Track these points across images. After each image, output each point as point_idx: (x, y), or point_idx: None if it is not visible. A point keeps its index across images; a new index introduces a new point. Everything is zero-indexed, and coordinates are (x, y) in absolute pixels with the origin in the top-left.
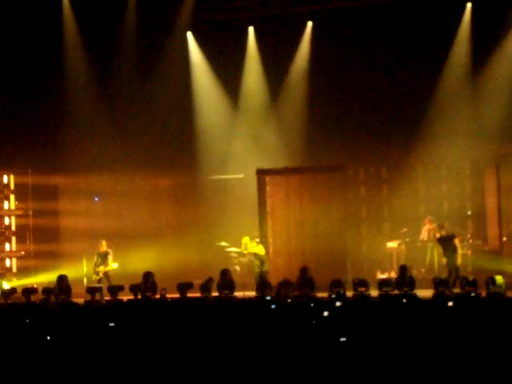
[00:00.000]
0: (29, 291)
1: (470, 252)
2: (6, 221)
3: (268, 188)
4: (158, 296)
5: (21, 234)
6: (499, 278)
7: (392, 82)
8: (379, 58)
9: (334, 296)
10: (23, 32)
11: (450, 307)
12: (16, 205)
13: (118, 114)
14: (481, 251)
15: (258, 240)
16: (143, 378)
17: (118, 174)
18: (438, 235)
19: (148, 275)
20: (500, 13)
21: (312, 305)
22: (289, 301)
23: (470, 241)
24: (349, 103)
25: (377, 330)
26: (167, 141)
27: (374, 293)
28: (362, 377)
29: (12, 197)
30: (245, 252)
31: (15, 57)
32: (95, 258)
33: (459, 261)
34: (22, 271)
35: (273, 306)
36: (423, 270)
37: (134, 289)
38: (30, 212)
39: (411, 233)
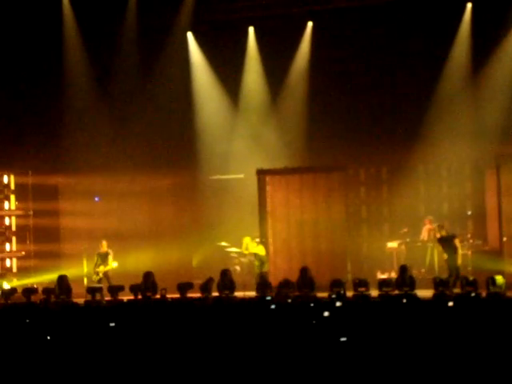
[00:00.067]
0: (29, 291)
1: (470, 252)
2: (7, 221)
3: (268, 188)
4: (158, 296)
5: (21, 234)
6: (499, 278)
7: (392, 81)
8: (379, 58)
9: (334, 296)
10: (23, 32)
11: (450, 307)
12: (16, 205)
13: (117, 113)
14: (481, 251)
15: (258, 240)
16: (144, 378)
17: (118, 174)
18: (438, 235)
19: (148, 275)
20: (500, 13)
21: (312, 305)
22: (289, 301)
23: (471, 241)
24: (349, 103)
25: (377, 330)
26: (167, 141)
27: (374, 293)
28: (363, 377)
29: (12, 197)
30: (245, 252)
31: (15, 57)
32: (95, 258)
33: (459, 261)
34: (23, 271)
35: (273, 306)
36: (423, 270)
37: (134, 289)
38: (31, 212)
39: (411, 233)
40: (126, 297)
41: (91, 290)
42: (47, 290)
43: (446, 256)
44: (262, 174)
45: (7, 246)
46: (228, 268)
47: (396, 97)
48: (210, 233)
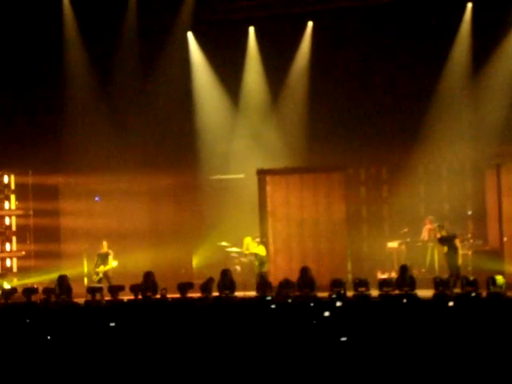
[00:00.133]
0: (29, 291)
1: (470, 252)
2: (7, 221)
3: (268, 188)
4: (158, 296)
5: (21, 234)
6: (500, 278)
7: (392, 81)
8: (379, 57)
9: (334, 296)
10: (23, 32)
11: (451, 307)
12: (16, 205)
13: (118, 113)
14: (481, 251)
15: (258, 240)
16: (144, 377)
17: (119, 174)
18: (438, 235)
19: (148, 275)
20: (500, 13)
21: (312, 305)
22: (289, 301)
23: (471, 241)
24: (349, 103)
25: (377, 330)
26: (167, 141)
27: (375, 293)
28: (363, 377)
29: (12, 197)
30: (246, 252)
31: (15, 57)
32: (96, 258)
33: (460, 261)
34: (23, 271)
35: (273, 306)
36: (424, 270)
37: (134, 289)
38: (31, 212)
39: (412, 233)
40: (126, 297)
41: (91, 290)
42: (47, 290)
43: (445, 249)
44: (262, 173)
45: (7, 246)
46: (228, 268)
47: (396, 97)
48: (210, 233)
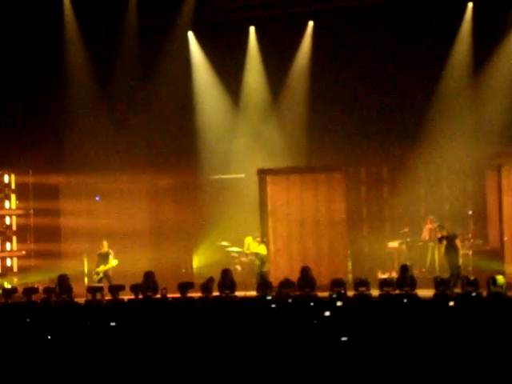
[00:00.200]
0: (30, 291)
1: (470, 252)
2: (7, 220)
3: (269, 188)
4: (158, 296)
5: (22, 233)
6: (500, 278)
7: (393, 81)
8: (380, 57)
9: (334, 296)
10: (24, 32)
11: (451, 307)
12: (17, 204)
13: (118, 113)
14: (482, 251)
15: (259, 239)
16: (144, 377)
17: (119, 174)
18: (439, 235)
19: (149, 275)
20: (501, 13)
21: (313, 304)
22: (290, 300)
23: (471, 240)
24: (349, 103)
25: (378, 330)
26: (168, 140)
27: (375, 292)
28: (363, 376)
29: (13, 196)
30: (247, 252)
31: (16, 57)
32: (96, 258)
33: (460, 261)
34: (23, 271)
35: (273, 306)
36: (424, 270)
37: (134, 288)
38: (31, 212)
39: (412, 233)
40: (126, 296)
41: (92, 290)
42: (48, 290)
43: (443, 250)
44: (262, 173)
45: (8, 246)
46: (229, 268)
47: (396, 97)
48: (210, 232)
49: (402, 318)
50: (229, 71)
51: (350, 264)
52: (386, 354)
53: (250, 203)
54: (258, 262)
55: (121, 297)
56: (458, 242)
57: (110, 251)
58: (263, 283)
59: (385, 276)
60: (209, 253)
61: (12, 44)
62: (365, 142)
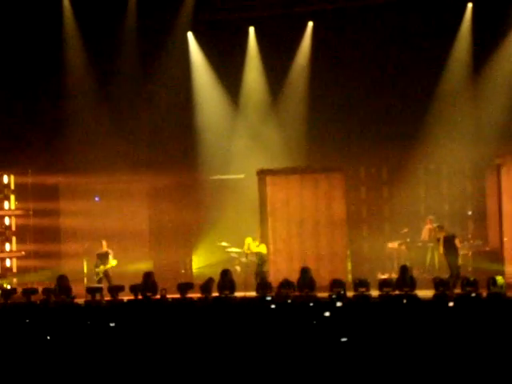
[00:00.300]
0: (29, 291)
1: (470, 252)
2: (7, 221)
3: (269, 188)
4: (158, 296)
5: (21, 234)
6: (500, 279)
7: (392, 82)
8: (379, 58)
9: (334, 296)
10: (23, 32)
11: (451, 307)
12: (16, 205)
13: (118, 113)
14: (481, 251)
15: (259, 240)
16: (143, 378)
17: (119, 174)
18: (438, 236)
19: (148, 275)
20: (501, 13)
21: (312, 305)
22: (289, 301)
23: (471, 241)
24: (349, 103)
25: (377, 331)
26: (167, 141)
27: (375, 293)
28: (363, 377)
29: (12, 197)
30: (248, 252)
31: (15, 57)
32: (95, 258)
33: (460, 261)
34: (23, 271)
35: (273, 306)
36: (423, 271)
37: (134, 289)
38: (31, 212)
39: (412, 233)
40: (126, 297)
41: (91, 290)
42: (47, 290)
43: (441, 250)
44: (262, 174)
45: (7, 246)
46: (228, 268)
47: (396, 97)
48: (210, 233)
49: (401, 319)
50: (228, 71)
51: (349, 264)
52: (385, 354)
53: (249, 203)
54: (258, 262)
55: (120, 297)
56: (457, 242)
57: (110, 251)
58: (263, 284)
59: (384, 276)
60: (208, 253)
61: (12, 44)
62: (365, 142)
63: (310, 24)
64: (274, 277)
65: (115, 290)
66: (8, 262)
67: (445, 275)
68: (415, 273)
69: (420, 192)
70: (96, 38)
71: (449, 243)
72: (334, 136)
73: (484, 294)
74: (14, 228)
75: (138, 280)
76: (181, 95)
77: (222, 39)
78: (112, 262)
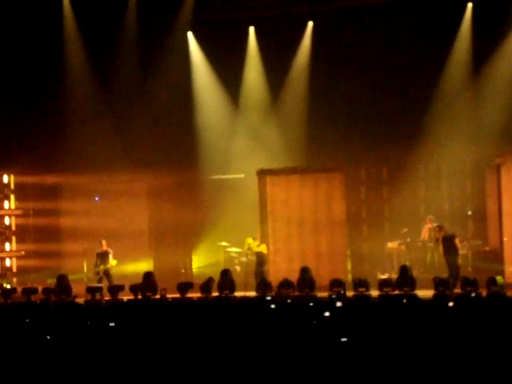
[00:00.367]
0: (29, 291)
1: (470, 252)
2: (7, 221)
3: (269, 188)
4: (158, 296)
5: (21, 233)
6: (500, 278)
7: (392, 82)
8: (379, 58)
9: (334, 296)
10: (24, 32)
11: (451, 307)
12: (16, 205)
13: (118, 113)
14: (481, 251)
15: (259, 240)
16: (143, 377)
17: (119, 174)
18: (438, 235)
19: (148, 275)
20: (501, 13)
21: (312, 305)
22: (289, 301)
23: (471, 241)
24: (349, 103)
25: (377, 331)
26: (167, 140)
27: (375, 293)
28: (363, 377)
29: (12, 197)
30: (248, 252)
31: (15, 57)
32: (95, 258)
33: (460, 261)
34: (22, 271)
35: (273, 306)
36: (423, 270)
37: (134, 289)
38: (31, 212)
39: (412, 233)
40: (126, 297)
41: (91, 290)
42: (47, 290)
43: (441, 250)
44: (262, 173)
45: (7, 246)
46: (228, 268)
47: (396, 97)
48: (210, 233)
49: (401, 319)
50: (228, 71)
51: (349, 264)
52: (385, 354)
53: (249, 203)
54: (258, 261)
55: (120, 297)
56: (457, 242)
57: (109, 250)
58: (263, 283)
59: (384, 276)
60: (208, 253)
61: (12, 44)
62: (365, 142)
63: (310, 24)
64: (274, 277)
65: (115, 289)
66: (8, 262)
67: (444, 275)
68: (415, 273)
69: (420, 192)
70: (96, 38)
71: (449, 243)
72: (333, 136)
73: (484, 293)
74: (13, 228)
75: (138, 280)
76: (181, 95)
77: (222, 39)
78: (112, 262)
